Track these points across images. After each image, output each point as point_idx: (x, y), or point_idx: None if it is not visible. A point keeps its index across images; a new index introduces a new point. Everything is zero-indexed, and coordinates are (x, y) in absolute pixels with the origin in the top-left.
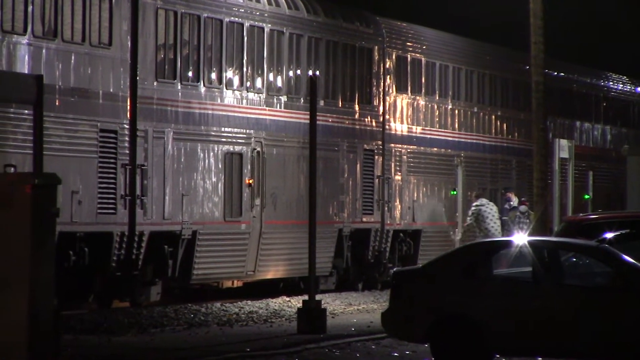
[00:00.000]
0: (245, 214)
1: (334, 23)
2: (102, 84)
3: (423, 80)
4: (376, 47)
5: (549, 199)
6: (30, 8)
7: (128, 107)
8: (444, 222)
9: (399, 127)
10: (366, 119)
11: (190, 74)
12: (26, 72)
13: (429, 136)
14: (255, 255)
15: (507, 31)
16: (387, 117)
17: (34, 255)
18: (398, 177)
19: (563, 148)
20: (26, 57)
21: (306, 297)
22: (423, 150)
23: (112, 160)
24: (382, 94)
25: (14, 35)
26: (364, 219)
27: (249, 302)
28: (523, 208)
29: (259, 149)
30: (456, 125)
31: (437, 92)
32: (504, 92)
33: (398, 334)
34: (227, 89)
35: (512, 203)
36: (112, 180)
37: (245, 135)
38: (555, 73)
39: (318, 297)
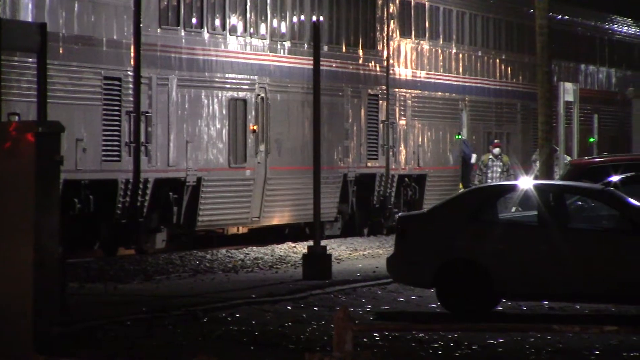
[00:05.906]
0: (249, 160)
1: None
2: (106, 32)
3: (427, 24)
4: None
5: (555, 143)
6: None
7: (132, 54)
8: (449, 167)
9: (403, 71)
10: (370, 64)
11: (193, 20)
12: (30, 20)
13: (433, 80)
14: (260, 201)
15: None
16: (391, 62)
17: (39, 204)
18: (403, 122)
19: (568, 91)
20: (29, 5)
21: (311, 243)
22: (427, 94)
23: (116, 108)
24: (386, 38)
25: None
26: (369, 164)
27: (254, 248)
28: (497, 150)
29: (263, 95)
30: (460, 70)
31: (441, 36)
32: (508, 35)
33: (404, 279)
34: (230, 35)
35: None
36: (117, 128)
37: (249, 82)
38: (560, 16)
39: (323, 242)
